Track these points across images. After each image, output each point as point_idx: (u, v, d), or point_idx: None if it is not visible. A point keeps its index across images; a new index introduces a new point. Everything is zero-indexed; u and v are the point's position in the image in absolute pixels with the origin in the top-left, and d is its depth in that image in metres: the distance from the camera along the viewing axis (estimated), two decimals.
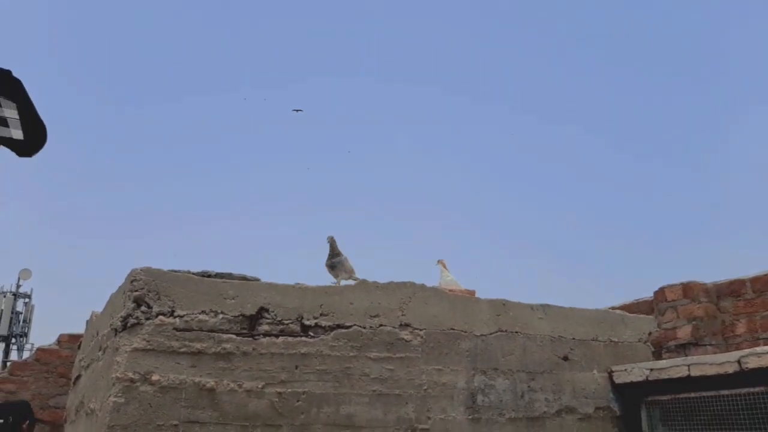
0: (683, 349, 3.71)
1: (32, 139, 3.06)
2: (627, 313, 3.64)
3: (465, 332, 2.98)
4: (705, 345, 3.68)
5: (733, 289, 3.83)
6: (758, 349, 2.64)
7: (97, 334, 3.14)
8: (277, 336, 2.61)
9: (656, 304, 3.98)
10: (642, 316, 3.71)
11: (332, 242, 3.88)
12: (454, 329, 2.96)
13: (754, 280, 3.74)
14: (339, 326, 2.73)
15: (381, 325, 2.81)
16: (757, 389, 2.60)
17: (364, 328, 2.77)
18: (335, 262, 3.79)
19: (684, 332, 3.74)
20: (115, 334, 2.47)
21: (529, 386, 3.01)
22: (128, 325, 2.41)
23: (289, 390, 2.54)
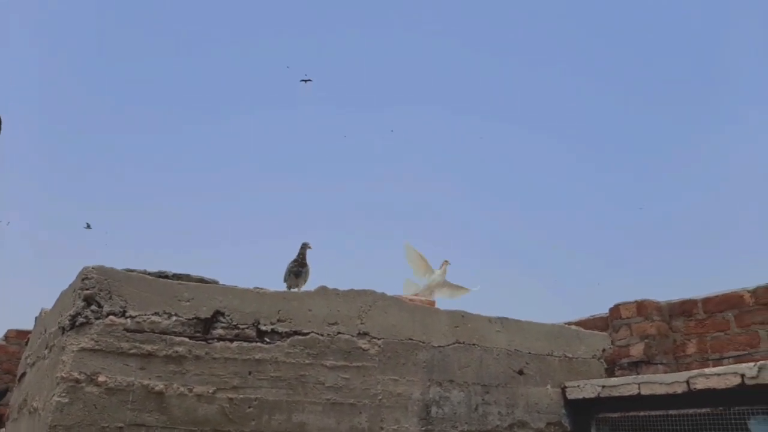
0: (636, 366, 3.78)
1: None
2: (582, 329, 3.69)
3: (423, 343, 2.97)
4: (656, 364, 3.75)
5: (684, 308, 3.92)
6: (706, 370, 2.69)
7: (45, 331, 3.04)
8: (231, 341, 2.57)
9: (611, 321, 4.05)
10: (597, 332, 3.77)
11: (304, 250, 3.77)
12: (412, 339, 2.95)
13: (705, 301, 3.82)
14: (296, 333, 2.70)
15: (339, 333, 2.79)
16: (703, 410, 2.66)
17: (322, 335, 2.74)
18: (303, 271, 3.69)
19: (637, 350, 3.81)
20: (63, 333, 2.39)
21: (483, 399, 3.03)
22: (77, 324, 2.33)
23: (241, 396, 2.50)
